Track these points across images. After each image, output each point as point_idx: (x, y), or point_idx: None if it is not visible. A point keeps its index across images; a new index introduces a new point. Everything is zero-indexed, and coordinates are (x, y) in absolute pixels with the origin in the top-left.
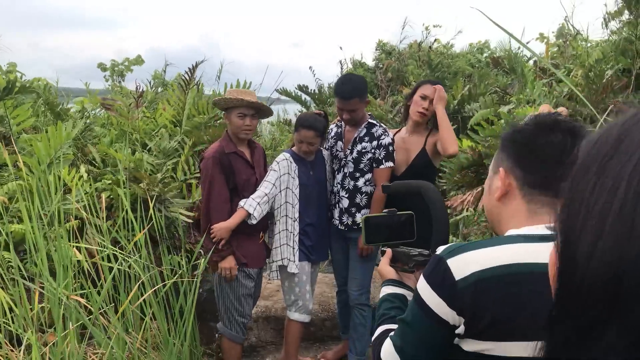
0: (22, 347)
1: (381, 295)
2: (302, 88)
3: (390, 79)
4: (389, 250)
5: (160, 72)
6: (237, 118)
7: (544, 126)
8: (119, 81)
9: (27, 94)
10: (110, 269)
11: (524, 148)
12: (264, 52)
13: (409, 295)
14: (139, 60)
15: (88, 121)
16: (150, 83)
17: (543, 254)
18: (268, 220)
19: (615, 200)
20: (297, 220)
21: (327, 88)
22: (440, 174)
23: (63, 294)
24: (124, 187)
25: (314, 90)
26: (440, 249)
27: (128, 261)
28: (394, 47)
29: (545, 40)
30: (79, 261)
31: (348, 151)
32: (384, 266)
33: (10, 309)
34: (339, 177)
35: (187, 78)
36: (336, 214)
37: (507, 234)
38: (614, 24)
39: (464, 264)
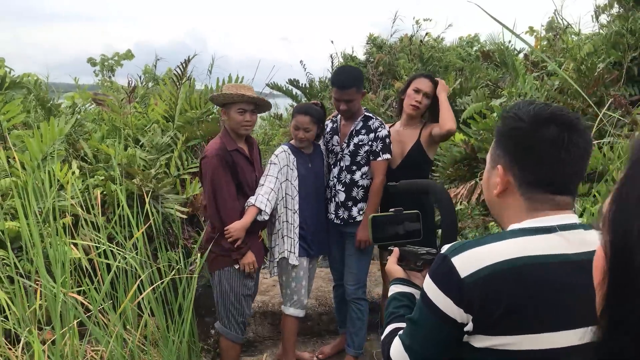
0: (20, 345)
1: (390, 293)
2: (293, 82)
3: (382, 73)
4: (396, 249)
5: (151, 67)
6: (236, 114)
7: (539, 121)
8: (109, 76)
9: (18, 90)
10: (108, 266)
11: (520, 146)
12: (251, 47)
13: (417, 293)
14: (128, 55)
15: (79, 117)
16: (140, 78)
17: (552, 245)
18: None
19: None
20: (297, 212)
21: (319, 82)
22: (433, 167)
23: (61, 292)
24: (119, 183)
25: (305, 84)
26: (444, 248)
27: (125, 258)
28: (385, 41)
29: (535, 33)
30: (75, 258)
31: (344, 144)
32: (392, 265)
33: (8, 307)
34: (335, 171)
35: (180, 73)
36: (332, 208)
37: (509, 228)
38: (604, 18)
39: (470, 261)
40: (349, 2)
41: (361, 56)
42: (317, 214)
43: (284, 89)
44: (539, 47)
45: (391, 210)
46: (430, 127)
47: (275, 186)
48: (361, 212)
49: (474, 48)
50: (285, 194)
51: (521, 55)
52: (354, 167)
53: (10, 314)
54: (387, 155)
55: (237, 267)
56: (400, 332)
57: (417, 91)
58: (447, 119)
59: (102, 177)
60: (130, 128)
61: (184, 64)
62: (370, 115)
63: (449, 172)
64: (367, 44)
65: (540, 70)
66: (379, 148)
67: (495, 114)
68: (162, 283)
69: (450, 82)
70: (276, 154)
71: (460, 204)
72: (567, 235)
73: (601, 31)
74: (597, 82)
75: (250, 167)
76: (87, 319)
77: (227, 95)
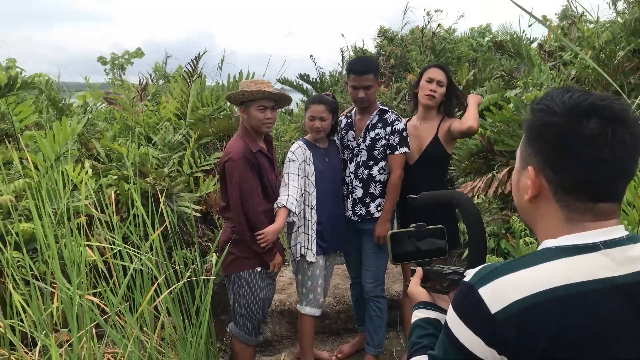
0: (37, 349)
1: (412, 319)
2: (304, 77)
3: (394, 66)
4: (419, 269)
5: (161, 65)
6: (257, 111)
7: (577, 113)
8: (119, 74)
9: (29, 90)
10: (124, 267)
11: (554, 146)
12: (259, 42)
13: (444, 319)
14: (139, 53)
15: (91, 116)
16: (151, 76)
17: (596, 268)
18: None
19: None
20: (315, 208)
21: (329, 76)
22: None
23: (77, 294)
24: (133, 182)
25: (316, 78)
26: (469, 274)
27: (141, 258)
28: (396, 34)
29: (549, 22)
30: (90, 260)
31: (360, 139)
32: (415, 287)
33: (23, 309)
34: (351, 166)
35: (191, 70)
36: (349, 204)
37: (543, 245)
38: (621, 4)
39: (501, 292)
40: None
41: (372, 49)
42: (335, 210)
43: (295, 83)
44: (551, 36)
45: (412, 225)
46: (448, 121)
47: (299, 184)
48: (379, 208)
49: (486, 39)
50: (304, 190)
51: (534, 45)
52: (371, 162)
53: (25, 317)
54: (405, 149)
55: (259, 269)
56: None
57: (430, 81)
58: (470, 118)
59: (115, 177)
60: (142, 126)
61: (194, 61)
62: (386, 108)
63: (464, 165)
64: (377, 36)
65: (556, 60)
66: (396, 142)
67: (511, 105)
68: (179, 284)
69: (464, 74)
70: (292, 151)
71: (477, 198)
72: (613, 253)
73: (619, 18)
74: (617, 70)
75: (271, 166)
76: (104, 321)
77: (248, 92)
